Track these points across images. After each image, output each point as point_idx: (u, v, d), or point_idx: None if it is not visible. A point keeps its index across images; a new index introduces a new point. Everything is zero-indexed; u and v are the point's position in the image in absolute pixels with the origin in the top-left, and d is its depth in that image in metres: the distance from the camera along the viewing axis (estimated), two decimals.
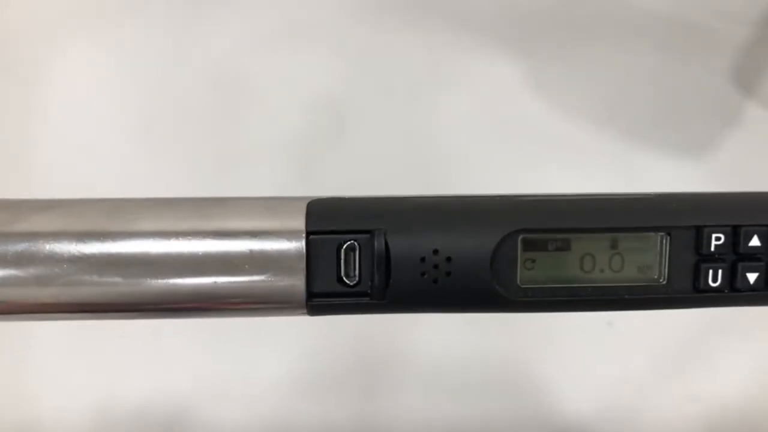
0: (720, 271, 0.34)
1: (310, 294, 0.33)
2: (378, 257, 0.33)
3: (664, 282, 0.34)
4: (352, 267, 0.33)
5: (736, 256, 0.34)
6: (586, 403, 0.81)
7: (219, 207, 0.34)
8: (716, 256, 0.34)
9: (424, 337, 0.81)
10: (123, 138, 0.82)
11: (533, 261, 0.34)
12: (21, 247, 0.32)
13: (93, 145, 0.82)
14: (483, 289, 0.33)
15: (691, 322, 0.81)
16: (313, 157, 0.82)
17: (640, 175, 0.83)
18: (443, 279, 0.33)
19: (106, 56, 0.83)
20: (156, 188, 0.79)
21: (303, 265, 0.33)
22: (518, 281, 0.34)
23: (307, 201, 0.34)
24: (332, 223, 0.33)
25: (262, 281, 0.33)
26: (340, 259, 0.33)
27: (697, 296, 0.34)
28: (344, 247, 0.33)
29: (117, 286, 0.32)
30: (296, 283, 0.33)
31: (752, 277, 0.34)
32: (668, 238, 0.34)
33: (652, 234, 0.34)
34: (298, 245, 0.33)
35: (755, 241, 0.34)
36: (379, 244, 0.33)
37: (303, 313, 0.34)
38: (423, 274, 0.33)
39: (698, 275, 0.34)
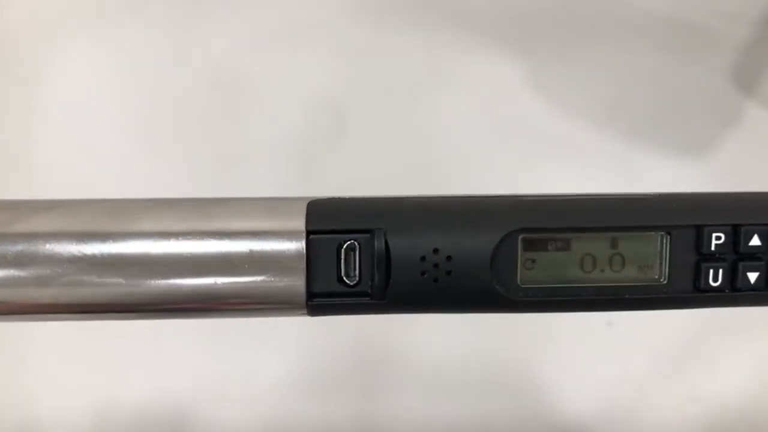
0: (720, 271, 0.34)
1: (310, 294, 0.33)
2: (378, 256, 0.33)
3: (665, 282, 0.34)
4: (352, 267, 0.33)
5: (736, 256, 0.34)
6: (586, 403, 0.81)
7: (219, 207, 0.34)
8: (717, 255, 0.34)
9: (423, 337, 0.81)
10: (123, 138, 0.82)
11: (533, 261, 0.34)
12: (21, 247, 0.32)
13: (93, 145, 0.82)
14: (483, 288, 0.33)
15: (691, 322, 0.81)
16: (313, 157, 0.82)
17: (640, 175, 0.83)
18: (443, 278, 0.33)
19: (106, 56, 0.83)
20: (156, 188, 0.79)
21: (303, 265, 0.33)
22: (518, 281, 0.34)
23: (307, 201, 0.34)
24: (332, 223, 0.33)
25: (262, 281, 0.33)
26: (341, 259, 0.33)
27: (698, 296, 0.34)
28: (344, 246, 0.33)
29: (117, 286, 0.32)
30: (296, 283, 0.33)
31: (753, 276, 0.34)
32: (668, 237, 0.34)
33: (652, 233, 0.34)
34: (298, 245, 0.33)
35: (755, 241, 0.34)
36: (379, 243, 0.33)
37: (303, 314, 0.34)
38: (423, 273, 0.33)
39: (699, 275, 0.34)
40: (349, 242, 0.33)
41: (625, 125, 0.84)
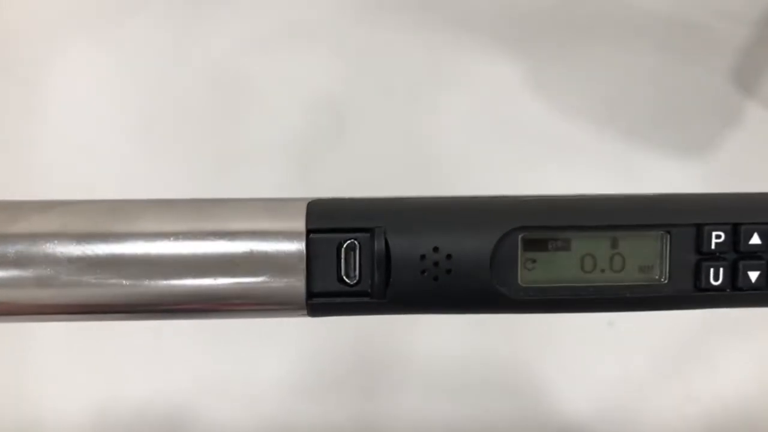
0: (721, 270, 0.34)
1: (311, 293, 0.33)
2: (378, 255, 0.33)
3: (665, 281, 0.34)
4: (352, 266, 0.33)
5: (737, 255, 0.34)
6: (586, 403, 0.81)
7: (219, 208, 0.34)
8: (717, 254, 0.34)
9: (423, 337, 0.81)
10: (123, 138, 0.82)
11: (534, 261, 0.34)
12: (21, 247, 0.32)
13: (93, 145, 0.82)
14: (484, 287, 0.33)
15: (691, 322, 0.81)
16: (313, 157, 0.82)
17: (640, 175, 0.83)
18: (443, 277, 0.33)
19: (106, 56, 0.83)
20: (156, 188, 0.79)
21: (303, 264, 0.33)
22: (519, 280, 0.34)
23: (308, 201, 0.34)
24: (332, 222, 0.33)
25: (262, 281, 0.33)
26: (341, 259, 0.33)
27: (699, 295, 0.34)
28: (344, 246, 0.33)
29: (117, 287, 0.32)
30: (296, 282, 0.33)
31: (753, 275, 0.34)
32: (668, 236, 0.34)
33: (652, 232, 0.34)
34: (298, 244, 0.33)
35: (756, 239, 0.34)
36: (379, 242, 0.33)
37: (303, 314, 0.34)
38: (423, 271, 0.33)
39: (699, 274, 0.34)
40: (349, 241, 0.33)
41: (625, 125, 0.84)
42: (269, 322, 0.74)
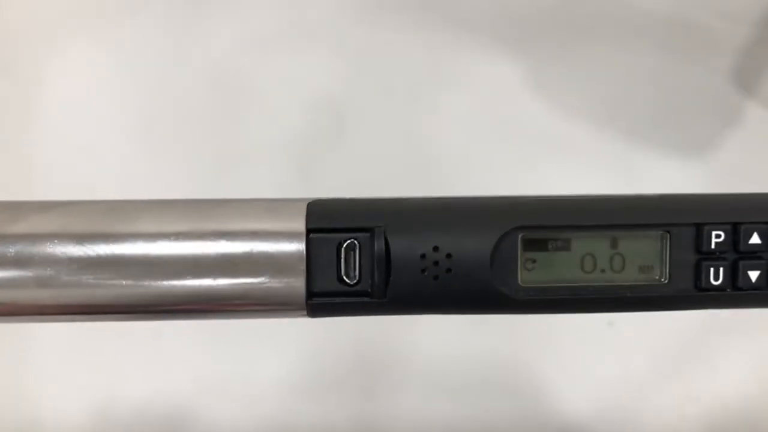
0: (721, 270, 0.34)
1: (310, 293, 0.33)
2: (378, 255, 0.33)
3: (666, 281, 0.34)
4: (352, 266, 0.33)
5: (736, 255, 0.34)
6: (586, 403, 0.81)
7: (219, 208, 0.34)
8: (717, 254, 0.34)
9: (423, 337, 0.81)
10: (123, 138, 0.82)
11: (534, 261, 0.34)
12: (21, 248, 0.32)
13: (93, 145, 0.82)
14: (484, 287, 0.33)
15: (691, 322, 0.81)
16: (313, 157, 0.82)
17: (640, 175, 0.83)
18: (444, 276, 0.33)
19: (106, 56, 0.83)
20: (156, 189, 0.79)
21: (303, 264, 0.33)
22: (519, 281, 0.34)
23: (308, 202, 0.34)
24: (332, 222, 0.33)
25: (263, 281, 0.33)
26: (341, 258, 0.33)
27: (699, 295, 0.34)
28: (344, 246, 0.33)
29: (117, 287, 0.32)
30: (296, 282, 0.33)
31: (754, 275, 0.34)
32: (668, 236, 0.34)
33: (651, 232, 0.34)
34: (298, 244, 0.33)
35: (755, 239, 0.34)
36: (378, 241, 0.33)
37: (303, 315, 0.34)
38: (423, 270, 0.33)
39: (699, 274, 0.34)
40: (349, 241, 0.33)
41: (625, 125, 0.84)
42: (269, 322, 0.74)
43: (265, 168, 0.82)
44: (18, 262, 0.32)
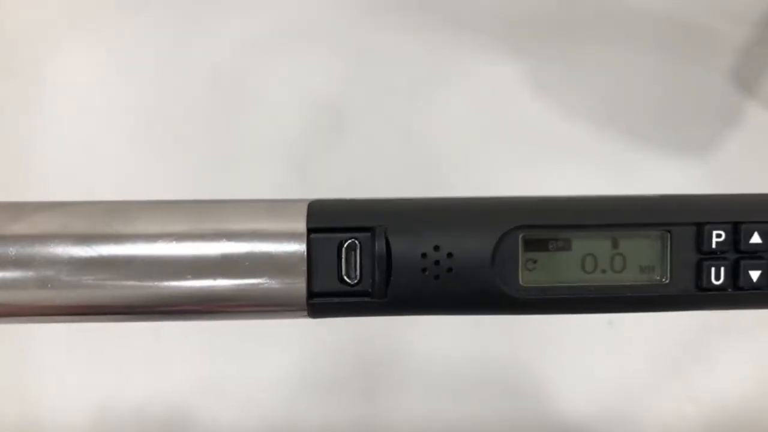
0: (722, 269, 0.34)
1: (311, 293, 0.33)
2: (379, 254, 0.33)
3: (667, 281, 0.34)
4: (353, 266, 0.33)
5: (737, 254, 0.34)
6: (585, 403, 0.81)
7: (220, 209, 0.34)
8: (718, 253, 0.34)
9: (423, 337, 0.81)
10: (122, 138, 0.82)
11: (534, 261, 0.34)
12: (21, 249, 0.32)
13: (93, 145, 0.82)
14: (485, 286, 0.33)
15: (691, 322, 0.81)
16: (313, 157, 0.82)
17: (640, 175, 0.83)
18: (445, 275, 0.33)
19: (106, 56, 0.83)
20: (155, 189, 0.79)
21: (304, 264, 0.33)
22: (520, 281, 0.34)
23: (308, 202, 0.34)
24: (333, 222, 0.33)
25: (263, 282, 0.33)
26: (341, 258, 0.33)
27: (701, 295, 0.34)
28: (345, 245, 0.33)
29: (118, 288, 0.32)
30: (297, 282, 0.33)
31: (755, 275, 0.34)
32: (669, 235, 0.34)
33: (652, 231, 0.34)
34: (299, 244, 0.33)
35: (756, 239, 0.34)
36: (379, 241, 0.33)
37: (304, 315, 0.34)
38: (424, 270, 0.33)
39: (701, 273, 0.34)
40: (349, 241, 0.33)
41: (625, 125, 0.84)
42: (269, 322, 0.74)
43: (264, 168, 0.82)
44: (18, 262, 0.32)
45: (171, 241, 0.32)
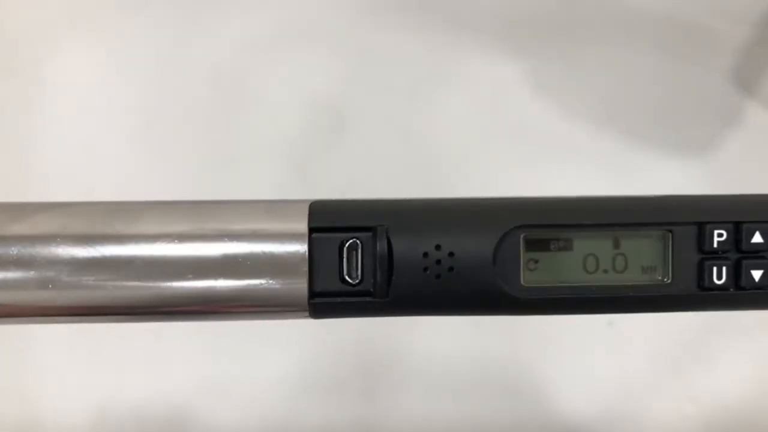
0: (724, 269, 0.34)
1: (312, 293, 0.33)
2: (380, 254, 0.33)
3: (669, 281, 0.34)
4: (354, 266, 0.33)
5: (739, 254, 0.34)
6: (586, 403, 0.81)
7: (221, 209, 0.34)
8: (719, 253, 0.34)
9: (423, 338, 0.81)
10: (122, 138, 0.82)
11: (536, 261, 0.34)
12: (22, 249, 0.32)
13: (93, 146, 0.82)
14: (487, 286, 0.33)
15: (691, 321, 0.81)
16: (313, 157, 0.82)
17: (641, 175, 0.83)
18: (446, 275, 0.33)
19: (106, 56, 0.83)
20: (155, 189, 0.79)
21: (305, 264, 0.33)
22: (522, 281, 0.34)
23: (310, 202, 0.34)
24: (334, 221, 0.33)
25: (265, 282, 0.33)
26: (343, 258, 0.33)
27: (703, 295, 0.34)
28: (346, 245, 0.33)
29: (119, 288, 0.32)
30: (298, 282, 0.33)
31: (757, 274, 0.34)
32: (670, 235, 0.34)
33: (654, 231, 0.34)
34: (300, 244, 0.33)
35: (758, 238, 0.34)
36: (381, 240, 0.33)
37: (305, 316, 0.34)
38: (425, 269, 0.33)
39: (702, 273, 0.34)
40: (351, 241, 0.33)
41: (625, 125, 0.84)
42: (271, 322, 0.74)
43: (264, 168, 0.82)
44: (19, 263, 0.32)
45: (172, 241, 0.32)
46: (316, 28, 0.84)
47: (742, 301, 0.34)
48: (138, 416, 0.79)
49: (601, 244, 0.34)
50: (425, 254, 0.33)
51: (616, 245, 0.34)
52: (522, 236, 0.33)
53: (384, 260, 0.33)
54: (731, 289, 0.34)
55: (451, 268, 0.33)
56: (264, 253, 0.33)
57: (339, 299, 0.33)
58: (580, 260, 0.34)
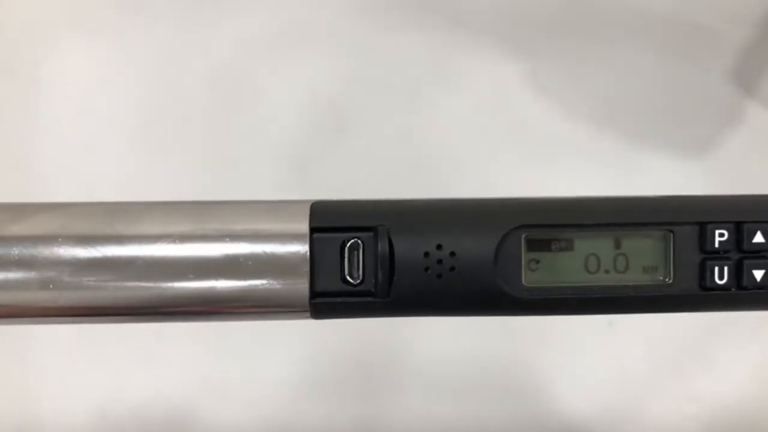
0: (726, 269, 0.34)
1: (314, 293, 0.33)
2: (381, 253, 0.33)
3: (670, 282, 0.34)
4: (355, 266, 0.33)
5: (741, 254, 0.34)
6: (586, 403, 0.81)
7: (222, 209, 0.34)
8: (721, 253, 0.34)
9: (424, 338, 0.81)
10: (122, 138, 0.82)
11: (537, 261, 0.34)
12: (23, 250, 0.32)
13: (93, 146, 0.82)
14: (488, 286, 0.33)
15: (692, 321, 0.81)
16: (313, 157, 0.82)
17: (641, 175, 0.83)
18: (447, 274, 0.33)
19: (106, 56, 0.83)
20: (155, 189, 0.79)
21: (306, 264, 0.33)
22: (523, 281, 0.34)
23: (311, 203, 0.34)
24: (335, 221, 0.33)
25: (266, 282, 0.33)
26: (344, 258, 0.33)
27: (704, 295, 0.34)
28: (348, 245, 0.33)
29: (119, 289, 0.32)
30: (300, 282, 0.33)
31: (759, 274, 0.34)
32: (671, 235, 0.34)
33: (655, 231, 0.34)
34: (301, 244, 0.33)
35: (759, 238, 0.34)
36: (382, 240, 0.33)
37: (306, 316, 0.34)
38: (427, 269, 0.33)
39: (704, 273, 0.34)
40: (352, 240, 0.33)
41: (625, 125, 0.84)
42: (271, 322, 0.74)
43: (264, 168, 0.82)
44: (20, 263, 0.32)
45: (173, 241, 0.32)
46: (317, 28, 0.84)
47: (744, 301, 0.34)
48: (138, 416, 0.79)
49: (603, 244, 0.34)
50: (426, 254, 0.33)
51: (618, 245, 0.34)
52: (523, 236, 0.34)
53: (385, 260, 0.33)
54: (733, 289, 0.34)
55: (452, 268, 0.33)
56: (265, 254, 0.33)
57: (340, 299, 0.33)
58: (582, 260, 0.34)
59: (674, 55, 0.85)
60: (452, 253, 0.33)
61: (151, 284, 0.32)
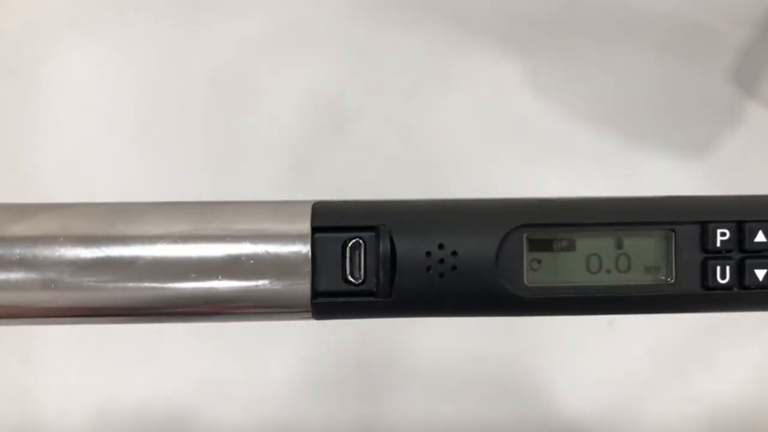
0: (727, 268, 0.34)
1: (315, 293, 0.33)
2: (383, 253, 0.33)
3: (672, 281, 0.34)
4: (357, 265, 0.33)
5: (742, 253, 0.34)
6: (586, 403, 0.81)
7: (223, 210, 0.34)
8: (723, 252, 0.34)
9: (424, 338, 0.81)
10: (122, 139, 0.82)
11: (539, 261, 0.34)
12: (24, 250, 0.32)
13: (93, 146, 0.81)
14: (490, 286, 0.33)
15: (692, 321, 0.81)
16: (313, 157, 0.82)
17: (641, 175, 0.83)
18: (449, 274, 0.33)
19: (106, 56, 0.83)
20: (155, 190, 0.79)
21: (308, 264, 0.33)
22: (525, 281, 0.34)
23: (312, 203, 0.34)
24: (337, 221, 0.33)
25: (267, 283, 0.33)
26: (346, 258, 0.33)
27: (706, 294, 0.34)
28: (349, 245, 0.33)
29: (121, 290, 0.32)
30: (301, 282, 0.33)
31: (761, 273, 0.34)
32: (673, 234, 0.34)
33: (656, 231, 0.34)
34: (303, 244, 0.33)
35: (761, 237, 0.34)
36: (384, 240, 0.33)
37: (308, 317, 0.34)
38: (428, 269, 0.33)
39: (706, 272, 0.34)
40: (354, 240, 0.33)
41: (625, 125, 0.84)
42: (272, 323, 0.74)
43: (264, 168, 0.82)
44: (21, 264, 0.32)
45: (174, 242, 0.32)
46: (317, 28, 0.84)
47: (746, 300, 0.34)
48: (138, 416, 0.79)
49: (604, 244, 0.34)
50: (428, 253, 0.33)
51: (619, 245, 0.34)
52: (525, 236, 0.34)
53: (387, 260, 0.33)
54: (735, 289, 0.34)
55: (454, 267, 0.33)
56: (266, 254, 0.33)
57: (342, 299, 0.33)
58: (583, 260, 0.34)
59: (674, 55, 0.85)
60: (454, 253, 0.33)
61: (152, 285, 0.32)
